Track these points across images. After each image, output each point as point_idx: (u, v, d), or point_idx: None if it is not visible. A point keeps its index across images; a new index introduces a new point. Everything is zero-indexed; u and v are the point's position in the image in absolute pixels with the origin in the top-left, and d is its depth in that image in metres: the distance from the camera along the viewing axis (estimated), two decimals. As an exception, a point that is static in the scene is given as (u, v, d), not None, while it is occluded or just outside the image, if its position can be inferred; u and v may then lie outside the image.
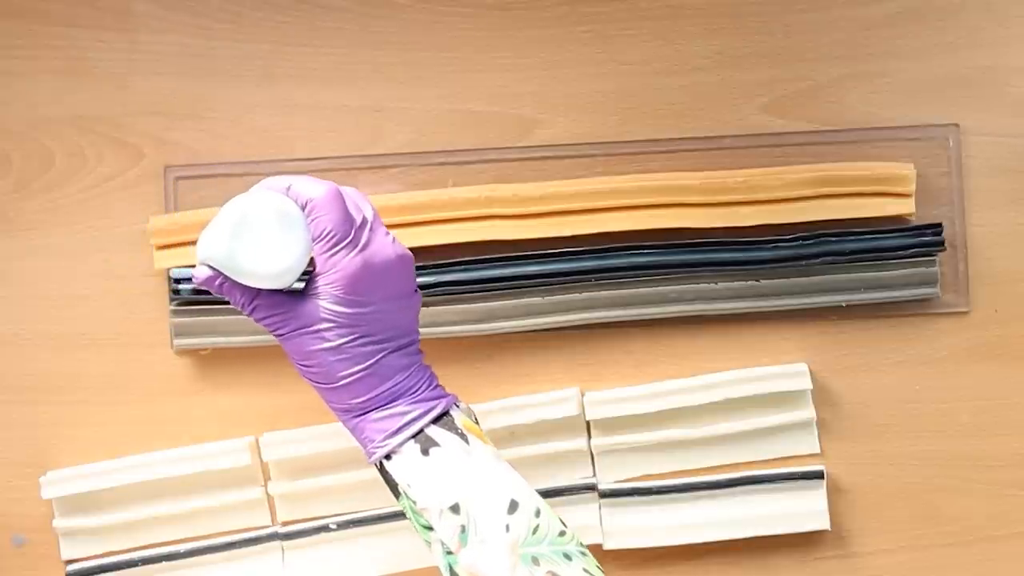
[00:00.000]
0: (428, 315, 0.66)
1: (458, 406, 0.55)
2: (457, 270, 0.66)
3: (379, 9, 0.68)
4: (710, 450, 0.67)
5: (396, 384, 0.54)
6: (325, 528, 0.67)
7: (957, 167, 0.67)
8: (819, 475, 0.66)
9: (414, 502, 0.53)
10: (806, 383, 0.66)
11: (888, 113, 0.67)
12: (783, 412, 0.67)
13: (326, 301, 0.52)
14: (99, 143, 0.69)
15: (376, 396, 0.53)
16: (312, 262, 0.53)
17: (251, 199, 0.53)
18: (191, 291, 0.66)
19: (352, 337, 0.53)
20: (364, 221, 0.53)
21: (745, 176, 0.66)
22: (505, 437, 0.67)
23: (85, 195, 0.69)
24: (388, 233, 0.54)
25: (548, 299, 0.66)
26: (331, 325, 0.52)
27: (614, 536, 0.66)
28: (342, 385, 0.53)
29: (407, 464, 0.53)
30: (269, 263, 0.52)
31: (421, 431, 0.53)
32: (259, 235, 0.52)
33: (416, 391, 0.54)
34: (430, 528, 0.53)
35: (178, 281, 0.67)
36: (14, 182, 0.69)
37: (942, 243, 0.66)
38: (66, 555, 0.68)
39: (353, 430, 0.55)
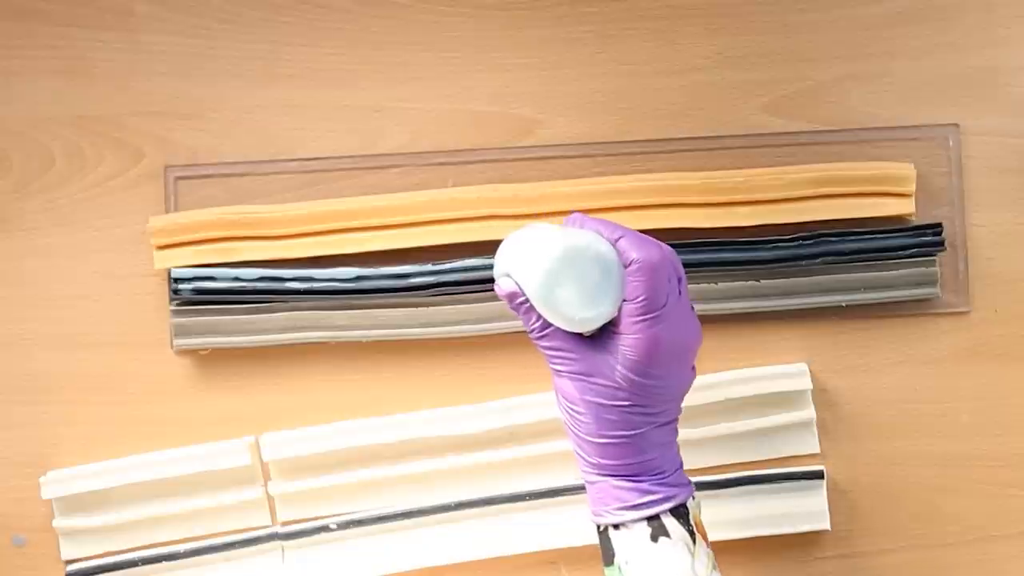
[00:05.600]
0: (428, 315, 0.66)
1: (693, 497, 0.54)
2: (457, 270, 0.66)
3: (379, 9, 0.68)
4: (710, 450, 0.67)
5: (649, 459, 0.53)
6: (325, 528, 0.67)
7: (957, 167, 0.67)
8: (819, 475, 0.66)
9: None
10: (806, 383, 0.66)
11: (888, 113, 0.67)
12: (783, 412, 0.67)
13: (618, 363, 0.51)
14: (99, 143, 0.69)
15: (626, 464, 0.53)
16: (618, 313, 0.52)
17: (581, 238, 0.52)
18: (191, 291, 0.67)
19: (629, 404, 0.52)
20: (677, 292, 0.52)
21: (745, 176, 0.66)
22: (505, 437, 0.67)
23: (85, 195, 0.69)
24: (692, 307, 0.54)
25: (548, 299, 0.66)
26: (613, 386, 0.52)
27: (614, 536, 0.66)
28: (597, 442, 0.53)
29: (633, 543, 0.52)
30: (578, 308, 0.51)
31: (657, 516, 0.52)
32: (577, 277, 0.51)
33: (664, 472, 0.53)
34: None
35: (178, 281, 0.67)
36: (14, 182, 0.69)
37: (942, 243, 0.66)
38: (66, 555, 0.68)
39: (589, 485, 0.54)
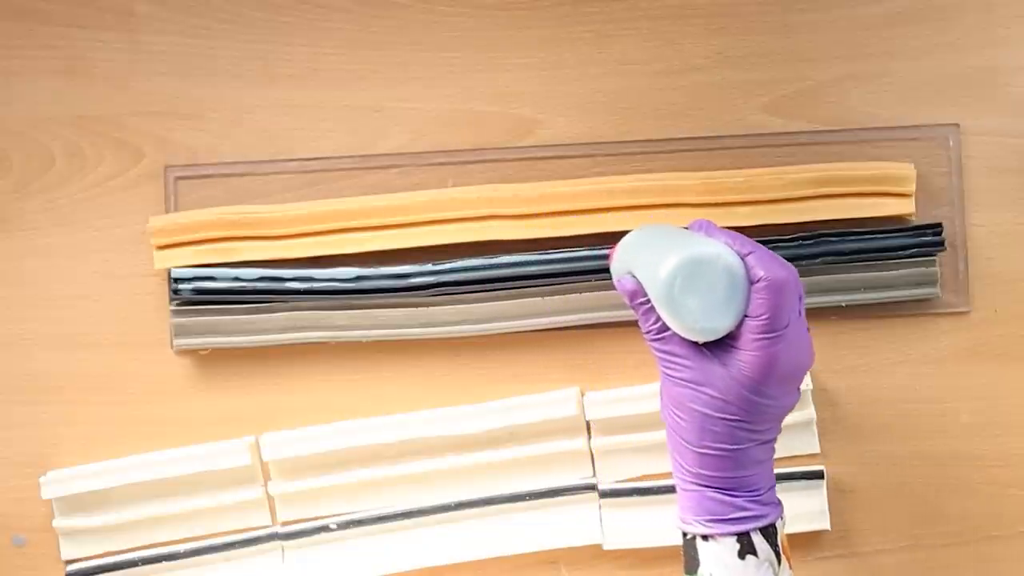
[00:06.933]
0: (428, 315, 0.66)
1: (781, 518, 0.54)
2: (457, 270, 0.66)
3: (379, 9, 0.68)
4: (710, 450, 0.67)
5: (747, 475, 0.53)
6: (325, 528, 0.67)
7: (957, 167, 0.67)
8: (819, 475, 0.66)
9: None
10: (806, 383, 0.66)
11: (888, 113, 0.67)
12: (783, 412, 0.67)
13: (732, 377, 0.51)
14: (99, 143, 0.69)
15: (723, 477, 0.52)
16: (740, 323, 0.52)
17: (713, 248, 0.51)
18: (191, 291, 0.66)
19: (736, 419, 0.51)
20: (797, 313, 0.52)
21: (745, 176, 0.66)
22: (505, 437, 0.67)
23: (85, 195, 0.69)
24: (809, 329, 0.53)
25: (548, 299, 0.66)
26: (723, 399, 0.51)
27: (614, 536, 0.66)
28: (697, 451, 0.52)
29: (719, 556, 0.52)
30: (701, 317, 0.51)
31: (747, 533, 0.52)
32: (705, 287, 0.51)
33: (759, 490, 0.53)
34: None
35: (178, 281, 0.67)
36: (14, 182, 0.69)
37: (942, 243, 0.66)
38: (66, 555, 0.68)
39: (682, 492, 0.54)
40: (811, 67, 0.68)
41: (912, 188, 0.66)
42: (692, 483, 0.53)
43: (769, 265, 0.51)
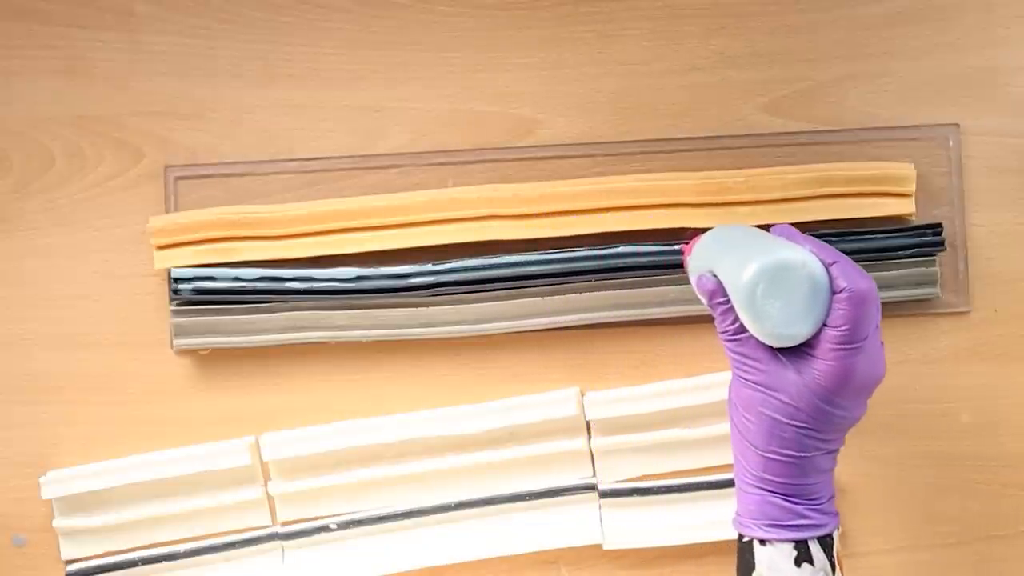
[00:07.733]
0: (428, 315, 0.66)
1: (838, 528, 0.54)
2: (457, 270, 0.66)
3: (379, 9, 0.68)
4: (710, 450, 0.67)
5: (809, 483, 0.53)
6: (325, 528, 0.67)
7: (957, 167, 0.67)
8: (819, 475, 0.66)
9: None
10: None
11: (888, 113, 0.67)
12: (783, 412, 0.67)
13: (806, 385, 0.51)
14: (99, 143, 0.69)
15: (786, 484, 0.52)
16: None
17: (799, 255, 0.51)
18: (191, 291, 0.66)
19: (806, 427, 0.51)
20: (875, 328, 0.52)
21: (745, 176, 0.66)
22: (505, 437, 0.67)
23: (85, 195, 0.69)
24: (883, 344, 0.53)
25: (548, 299, 0.66)
26: (793, 406, 0.51)
27: (614, 536, 0.66)
28: (763, 455, 0.52)
29: (775, 561, 0.52)
30: (781, 323, 0.51)
31: (805, 540, 0.52)
32: (788, 293, 0.50)
33: (820, 499, 0.53)
34: None
35: (178, 281, 0.67)
36: (14, 182, 0.69)
37: (942, 243, 0.66)
38: (66, 555, 0.68)
39: (742, 494, 0.54)
40: (811, 67, 0.68)
41: (912, 188, 0.66)
42: (754, 487, 0.53)
43: (853, 276, 0.51)
